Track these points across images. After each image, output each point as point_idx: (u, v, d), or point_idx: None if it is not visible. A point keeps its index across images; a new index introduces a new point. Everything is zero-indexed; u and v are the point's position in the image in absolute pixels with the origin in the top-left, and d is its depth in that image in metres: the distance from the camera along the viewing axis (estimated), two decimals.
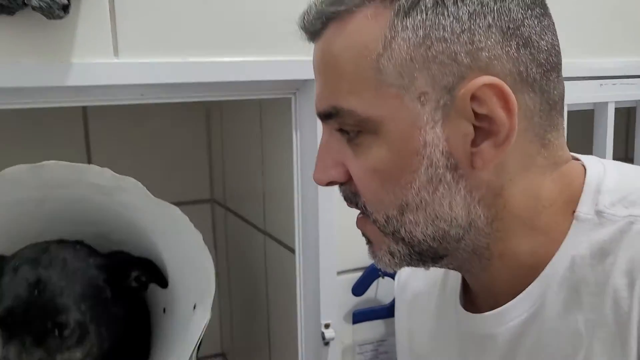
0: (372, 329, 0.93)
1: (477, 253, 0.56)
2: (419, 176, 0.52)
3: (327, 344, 0.90)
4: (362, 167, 0.54)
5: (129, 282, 0.81)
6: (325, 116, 0.56)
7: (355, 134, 0.54)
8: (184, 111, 1.40)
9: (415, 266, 0.58)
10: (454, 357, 0.65)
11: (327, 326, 0.89)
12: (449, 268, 0.61)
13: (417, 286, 0.74)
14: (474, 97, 0.50)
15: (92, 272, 0.77)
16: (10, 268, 0.73)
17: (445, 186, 0.52)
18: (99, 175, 0.73)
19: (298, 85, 0.85)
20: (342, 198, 0.86)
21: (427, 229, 0.53)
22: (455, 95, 0.50)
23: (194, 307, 0.78)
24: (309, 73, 0.82)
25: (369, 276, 0.90)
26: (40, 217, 0.77)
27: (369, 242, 0.60)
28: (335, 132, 0.56)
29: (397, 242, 0.56)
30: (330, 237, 0.89)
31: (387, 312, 0.92)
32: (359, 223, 0.60)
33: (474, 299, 0.63)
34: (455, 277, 0.67)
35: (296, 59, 0.80)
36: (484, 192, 0.53)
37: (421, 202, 0.53)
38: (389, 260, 0.57)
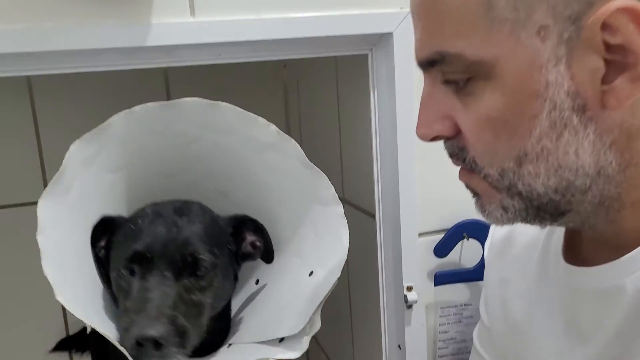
0: (455, 292, 0.90)
1: (605, 204, 0.51)
2: (540, 122, 0.47)
3: (409, 306, 0.88)
4: (474, 117, 0.50)
5: (244, 245, 0.80)
6: (428, 64, 0.51)
7: (464, 81, 0.49)
8: (262, 86, 1.41)
9: (531, 223, 0.54)
10: (561, 321, 0.60)
11: (409, 289, 0.87)
12: (568, 226, 0.56)
13: (513, 253, 0.70)
14: (605, 26, 0.44)
15: (222, 223, 0.78)
16: (147, 212, 0.74)
17: (572, 131, 0.47)
18: (263, 129, 0.73)
19: (375, 41, 0.83)
20: (422, 157, 0.84)
21: (548, 180, 0.49)
22: (581, 25, 0.44)
23: (310, 274, 0.77)
24: (386, 27, 0.80)
25: (452, 237, 0.87)
26: (183, 155, 0.77)
27: (475, 195, 0.56)
28: (440, 83, 0.52)
29: (513, 196, 0.51)
30: (411, 199, 0.86)
31: (471, 275, 0.89)
32: (464, 176, 0.55)
33: (584, 255, 0.58)
34: (558, 238, 0.62)
35: (373, 12, 0.78)
36: (616, 135, 0.47)
37: (542, 150, 0.48)
38: (501, 215, 0.53)
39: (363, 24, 0.79)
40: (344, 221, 0.76)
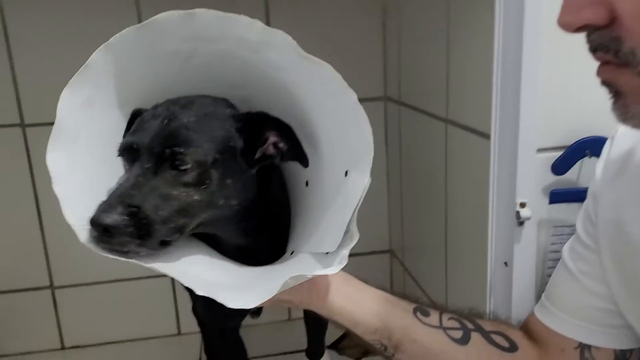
0: (571, 211, 0.88)
1: None
2: None
3: (521, 223, 0.87)
4: None
5: (266, 147, 0.76)
6: None
7: None
8: (360, 9, 1.39)
9: None
10: None
11: (522, 205, 0.86)
12: None
13: (631, 173, 0.67)
14: None
15: (225, 118, 0.74)
16: (158, 105, 0.73)
17: None
18: (248, 28, 0.68)
19: None
20: (547, 66, 0.81)
21: None
22: None
23: (346, 174, 0.73)
24: None
25: (573, 155, 0.85)
26: (186, 75, 0.75)
27: (617, 94, 0.52)
28: None
29: None
30: (532, 113, 0.84)
31: None
32: (608, 72, 0.51)
33: None
34: None
35: None
36: None
37: None
38: None
39: None
40: (361, 111, 0.69)
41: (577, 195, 0.87)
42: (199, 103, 0.74)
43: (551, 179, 0.87)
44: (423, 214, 1.33)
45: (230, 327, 1.07)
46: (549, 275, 0.91)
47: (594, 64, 0.52)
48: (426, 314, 0.76)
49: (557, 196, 0.87)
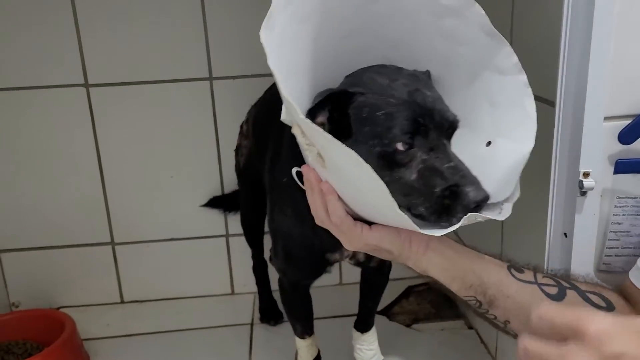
0: (637, 182, 0.85)
1: None
2: None
3: (584, 193, 0.84)
4: None
5: None
6: None
7: None
8: None
9: None
10: None
11: (586, 175, 0.83)
12: None
13: None
14: None
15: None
16: (385, 84, 0.74)
17: None
18: None
19: None
20: (618, 32, 0.78)
21: None
22: None
23: (488, 144, 0.79)
24: None
25: None
26: (362, 15, 0.76)
27: None
28: None
29: None
30: (600, 81, 0.80)
31: None
32: None
33: None
34: None
35: None
36: None
37: None
38: None
39: None
40: (527, 90, 0.76)
41: None
42: (418, 75, 0.78)
43: (617, 148, 0.84)
44: None
45: (303, 284, 1.13)
46: (610, 248, 0.89)
47: None
48: (520, 271, 0.78)
49: (623, 166, 0.84)
